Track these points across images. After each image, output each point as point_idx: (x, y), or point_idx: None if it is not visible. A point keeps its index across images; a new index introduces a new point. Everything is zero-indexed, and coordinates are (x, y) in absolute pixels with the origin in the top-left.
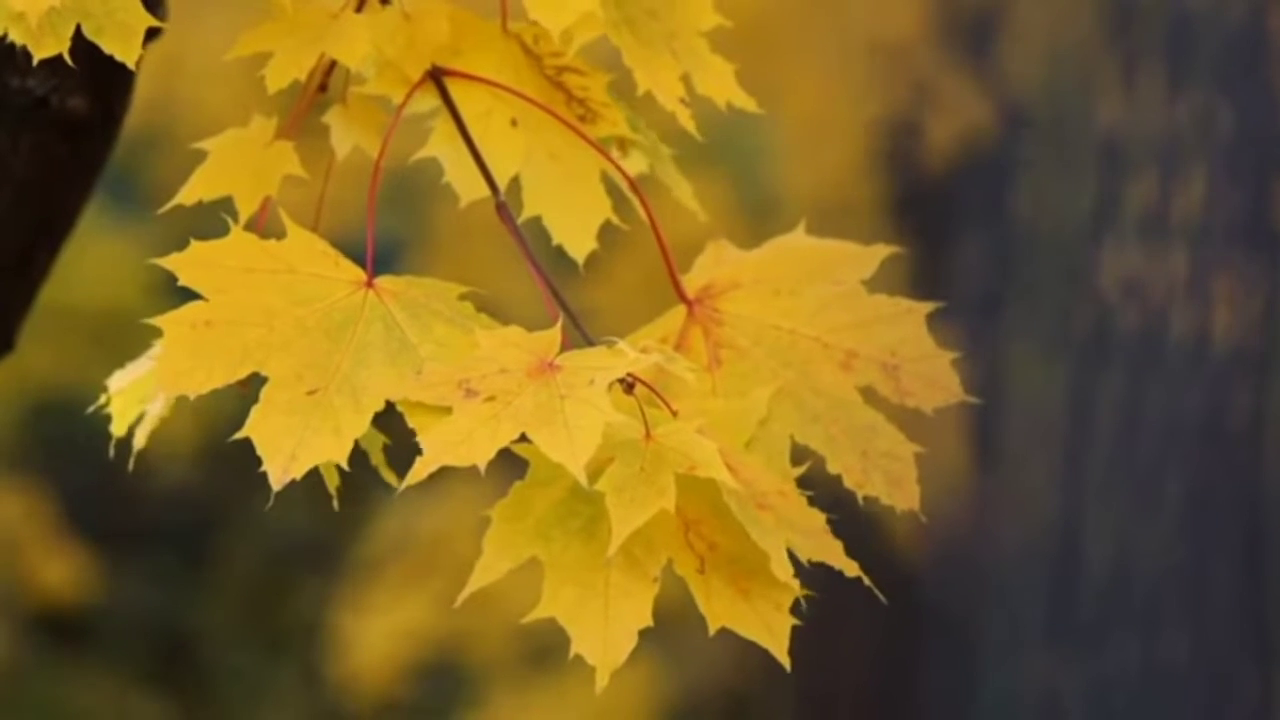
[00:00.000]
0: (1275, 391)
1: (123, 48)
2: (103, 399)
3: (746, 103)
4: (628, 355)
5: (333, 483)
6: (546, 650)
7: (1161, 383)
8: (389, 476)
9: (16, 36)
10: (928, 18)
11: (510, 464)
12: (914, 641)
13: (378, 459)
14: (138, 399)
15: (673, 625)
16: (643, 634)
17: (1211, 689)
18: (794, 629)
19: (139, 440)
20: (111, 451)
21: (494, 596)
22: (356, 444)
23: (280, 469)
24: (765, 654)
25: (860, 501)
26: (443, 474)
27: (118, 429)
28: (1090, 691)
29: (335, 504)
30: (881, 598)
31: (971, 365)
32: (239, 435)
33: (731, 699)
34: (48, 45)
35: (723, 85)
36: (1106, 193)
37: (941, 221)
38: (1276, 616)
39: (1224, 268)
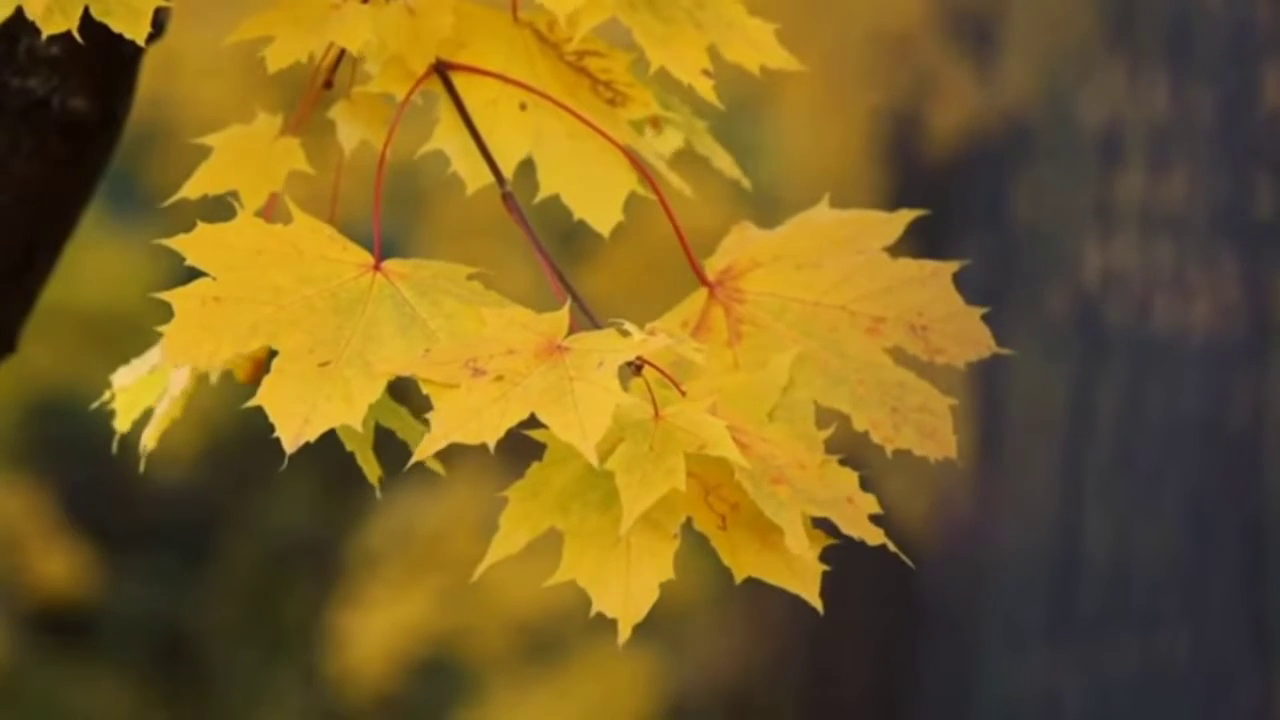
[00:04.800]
0: (1275, 389)
1: (131, 28)
2: (106, 395)
3: (787, 62)
4: (635, 338)
5: (374, 474)
6: (545, 646)
7: (1161, 381)
8: (435, 465)
9: (25, 9)
10: (928, 12)
11: (511, 461)
12: (914, 640)
13: (372, 453)
14: (142, 396)
15: (673, 623)
16: (643, 631)
17: (1211, 688)
18: (798, 622)
19: (149, 442)
20: (115, 448)
21: (493, 592)
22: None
23: (293, 433)
24: (766, 652)
25: (889, 455)
26: (443, 470)
27: (122, 425)
28: (1090, 691)
29: (378, 493)
30: (909, 563)
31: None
32: (251, 404)
33: (732, 697)
34: (56, 22)
35: (759, 48)
36: (1106, 191)
37: (941, 219)
38: (1276, 616)
39: (1224, 265)
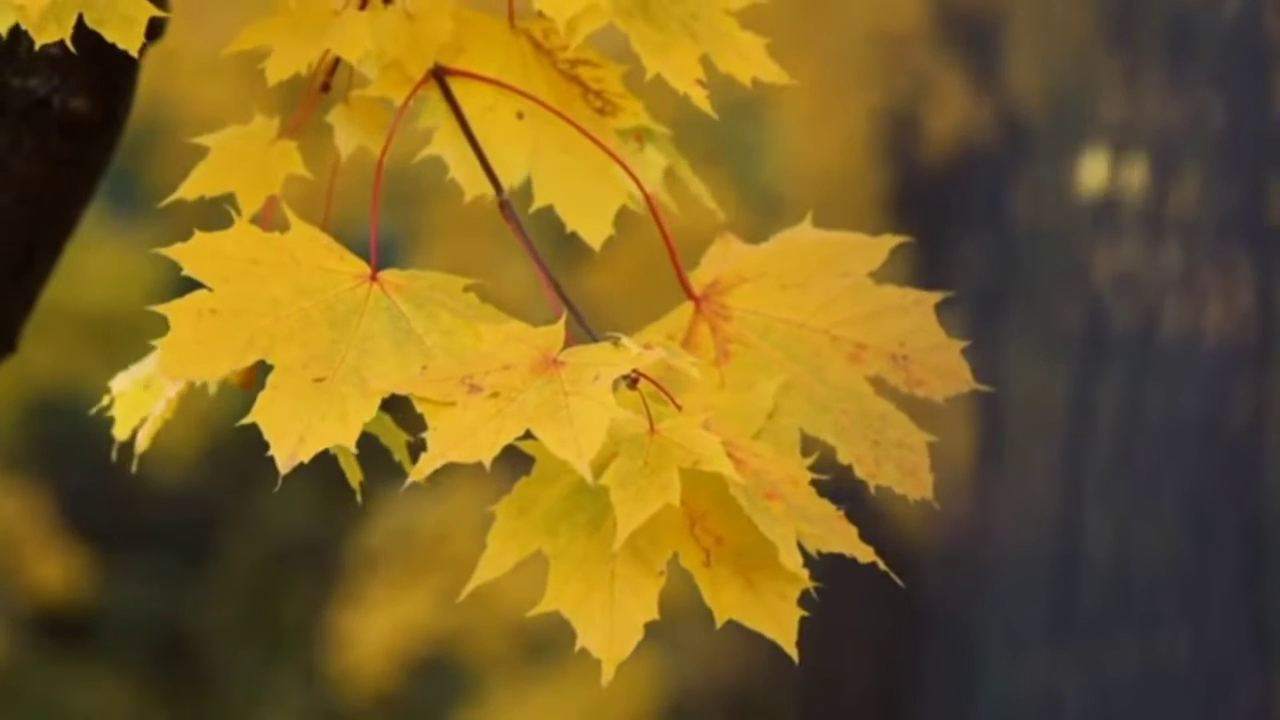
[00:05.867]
0: (1275, 389)
1: (125, 37)
2: (105, 400)
3: (777, 76)
4: (631, 351)
5: (355, 478)
6: (544, 646)
7: (1161, 381)
8: (413, 472)
9: (20, 20)
10: (927, 13)
11: (512, 462)
12: (914, 640)
13: (402, 455)
14: (141, 402)
15: (673, 621)
16: (644, 629)
17: (1211, 687)
18: (801, 621)
19: (142, 442)
20: (115, 454)
21: (492, 593)
22: (360, 438)
23: (287, 453)
24: (765, 652)
25: (872, 490)
26: (444, 471)
27: (121, 432)
28: (1090, 691)
29: (359, 498)
30: (898, 581)
31: (971, 364)
32: (245, 421)
33: (731, 697)
34: (50, 32)
35: (750, 61)
36: (1106, 191)
37: (941, 220)
38: (1276, 616)
39: (1222, 265)
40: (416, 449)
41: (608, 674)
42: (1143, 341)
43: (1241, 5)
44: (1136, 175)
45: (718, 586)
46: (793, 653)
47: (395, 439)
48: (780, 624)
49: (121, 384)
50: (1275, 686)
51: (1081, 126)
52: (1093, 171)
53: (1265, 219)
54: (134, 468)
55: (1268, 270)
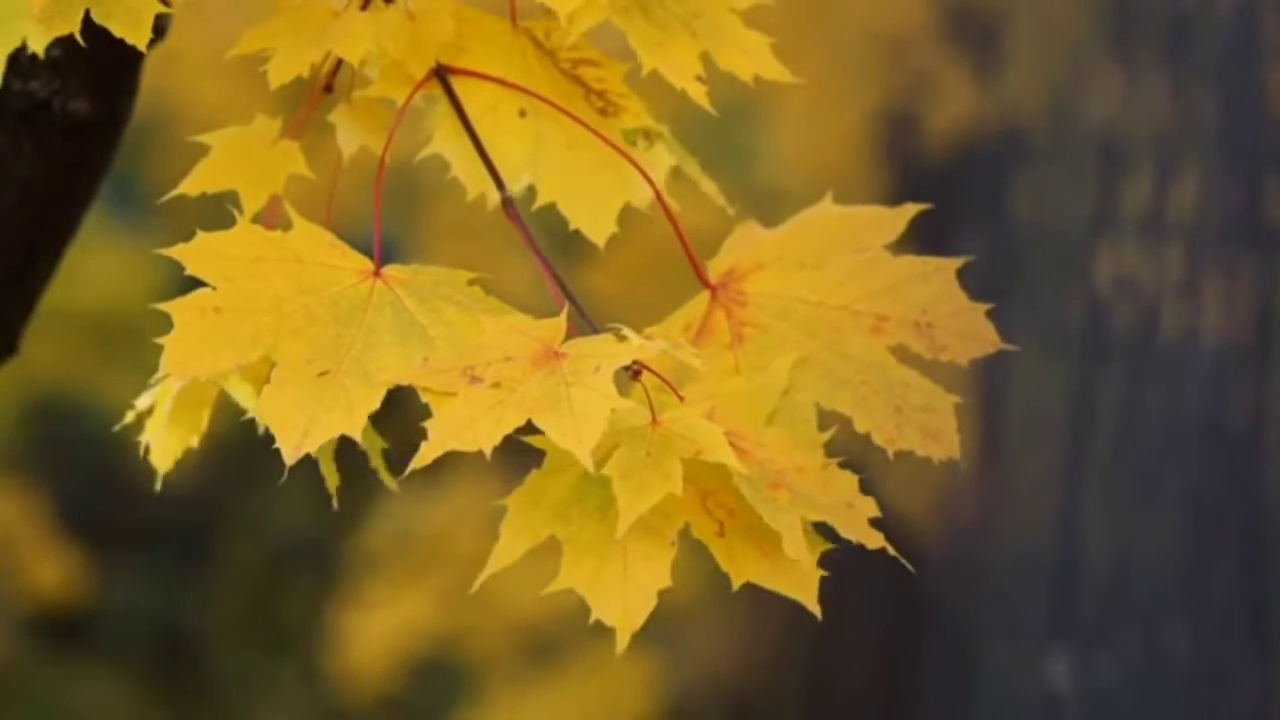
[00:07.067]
0: (1275, 388)
1: (131, 31)
2: (129, 416)
3: (780, 73)
4: (633, 343)
5: (333, 482)
6: (545, 647)
7: (1161, 381)
8: (388, 480)
9: (20, 27)
10: (927, 13)
11: (514, 463)
12: (915, 639)
13: (377, 462)
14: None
15: (674, 623)
16: (644, 631)
17: (1211, 686)
18: (799, 622)
19: (165, 464)
20: (159, 486)
21: (493, 593)
22: (357, 445)
23: (293, 445)
24: (766, 652)
25: (890, 456)
26: (444, 471)
27: (158, 459)
28: (1090, 690)
29: (335, 503)
30: (909, 567)
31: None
32: (251, 414)
33: (732, 697)
34: (57, 27)
35: (752, 58)
36: (1106, 191)
37: (941, 219)
38: (1276, 614)
39: (1222, 265)
40: (393, 455)
41: (621, 643)
42: (1143, 342)
43: (1240, 5)
44: (1136, 175)
45: (733, 554)
46: (816, 610)
47: (372, 444)
48: (800, 582)
49: (145, 401)
50: (1275, 685)
51: (1081, 126)
52: (1092, 171)
53: (1264, 220)
54: (157, 488)
55: (1267, 271)
